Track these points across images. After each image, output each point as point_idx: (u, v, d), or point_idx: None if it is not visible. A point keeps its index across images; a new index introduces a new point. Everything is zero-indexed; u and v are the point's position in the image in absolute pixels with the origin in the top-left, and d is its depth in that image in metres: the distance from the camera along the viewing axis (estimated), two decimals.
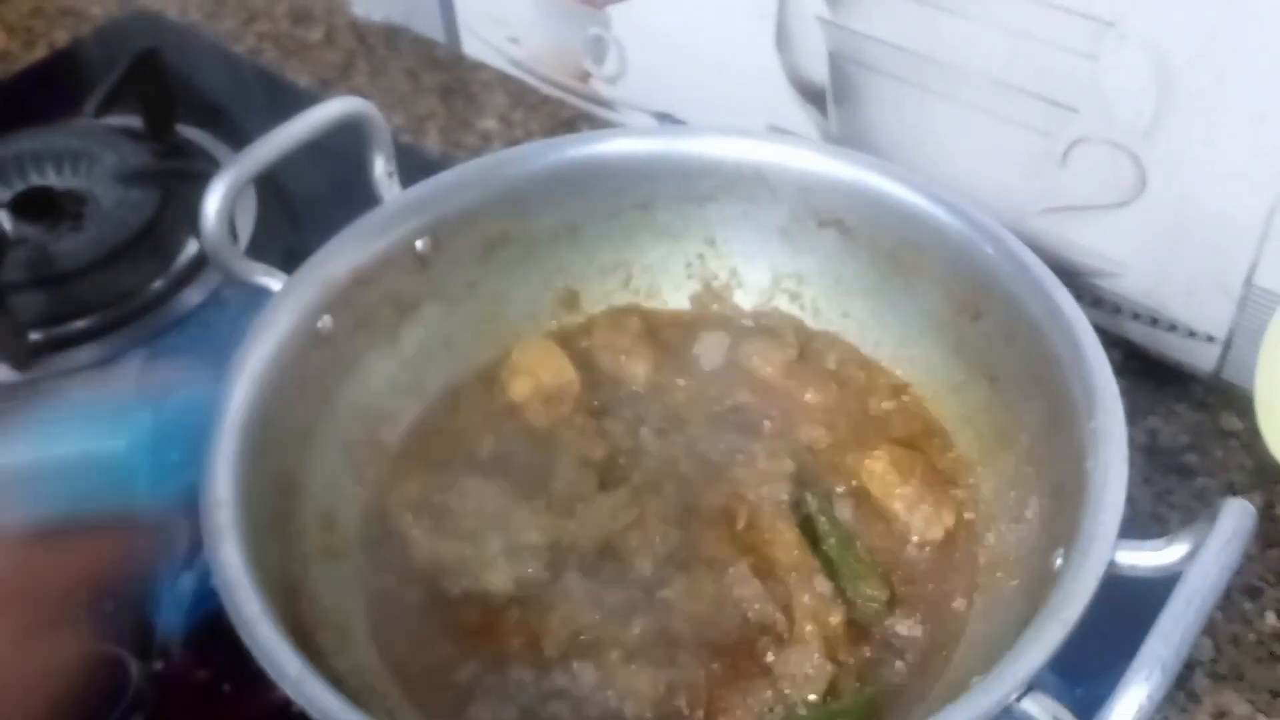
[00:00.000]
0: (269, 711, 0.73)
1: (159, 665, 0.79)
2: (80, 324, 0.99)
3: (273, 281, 0.77)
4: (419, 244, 0.82)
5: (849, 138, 1.05)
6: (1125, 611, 0.58)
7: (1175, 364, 0.97)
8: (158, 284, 1.05)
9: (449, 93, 1.29)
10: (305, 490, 0.76)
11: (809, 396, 0.85)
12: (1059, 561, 0.63)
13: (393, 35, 1.35)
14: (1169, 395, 0.97)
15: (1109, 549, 0.60)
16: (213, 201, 0.74)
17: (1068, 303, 0.73)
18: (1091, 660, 0.60)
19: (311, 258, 0.78)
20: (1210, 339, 0.94)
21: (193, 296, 1.05)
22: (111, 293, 1.03)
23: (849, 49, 1.01)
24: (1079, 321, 0.72)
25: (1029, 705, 0.56)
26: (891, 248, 0.84)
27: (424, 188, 0.83)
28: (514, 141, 1.20)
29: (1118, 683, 0.54)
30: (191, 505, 0.86)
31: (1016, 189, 0.97)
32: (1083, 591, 0.59)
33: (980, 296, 0.79)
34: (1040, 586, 0.65)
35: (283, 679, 0.59)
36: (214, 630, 0.74)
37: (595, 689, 0.70)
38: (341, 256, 0.79)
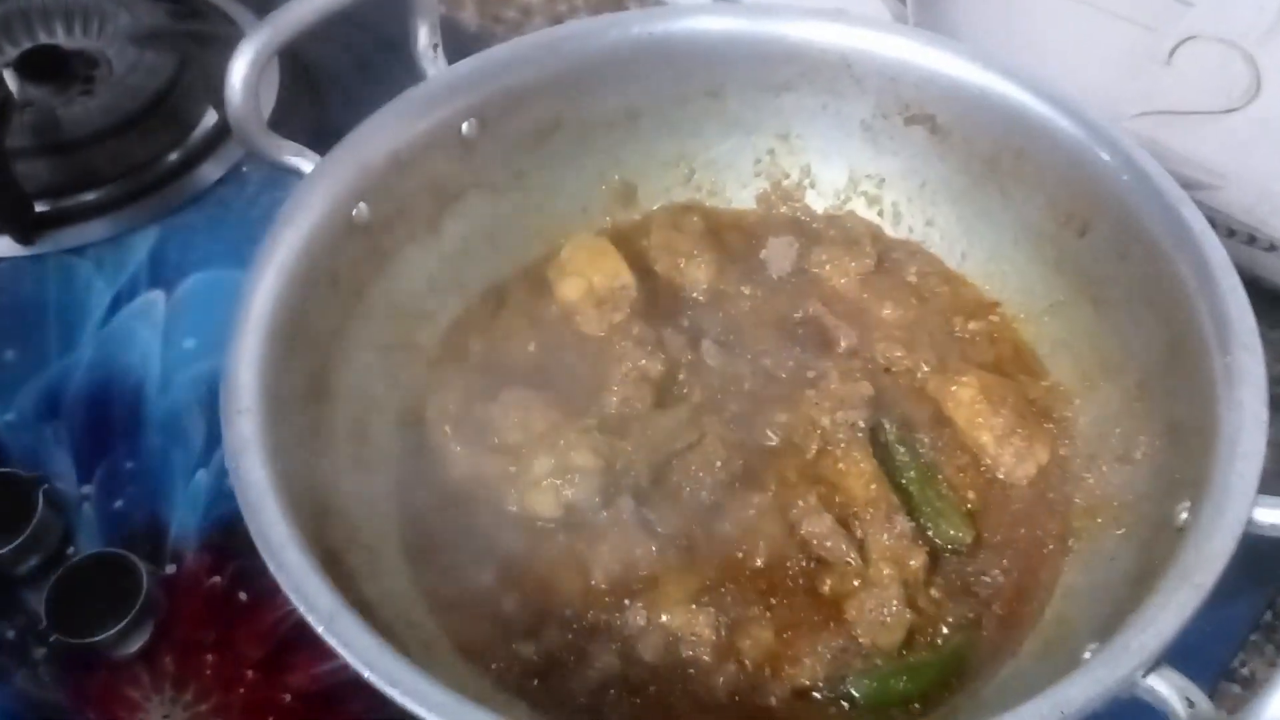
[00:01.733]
0: (285, 622, 0.71)
1: (171, 569, 0.74)
2: (89, 196, 0.93)
3: (303, 162, 0.69)
4: (465, 126, 0.75)
5: (927, 27, 0.95)
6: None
7: (1272, 287, 0.89)
8: (173, 156, 0.97)
9: None
10: (336, 397, 0.69)
11: (887, 312, 0.77)
12: (1184, 515, 0.56)
13: None
14: (1264, 321, 0.89)
15: (1247, 505, 0.53)
16: (239, 68, 0.65)
17: (1196, 220, 0.65)
18: None
19: (347, 137, 0.70)
20: None
21: (211, 171, 0.97)
22: (123, 164, 0.95)
23: None
24: (1208, 240, 0.64)
25: (1156, 682, 0.50)
26: (989, 150, 0.75)
27: (472, 63, 0.75)
28: (557, 18, 1.10)
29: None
30: (206, 398, 0.83)
31: (1112, 89, 0.88)
32: (1219, 553, 0.52)
33: (1090, 208, 0.71)
34: (1154, 538, 0.59)
35: (313, 613, 0.53)
36: (229, 534, 0.73)
37: (648, 629, 0.64)
38: (380, 137, 0.71)
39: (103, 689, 0.69)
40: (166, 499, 0.77)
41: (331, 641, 0.52)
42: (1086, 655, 0.53)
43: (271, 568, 0.55)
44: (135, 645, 0.71)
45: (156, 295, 0.89)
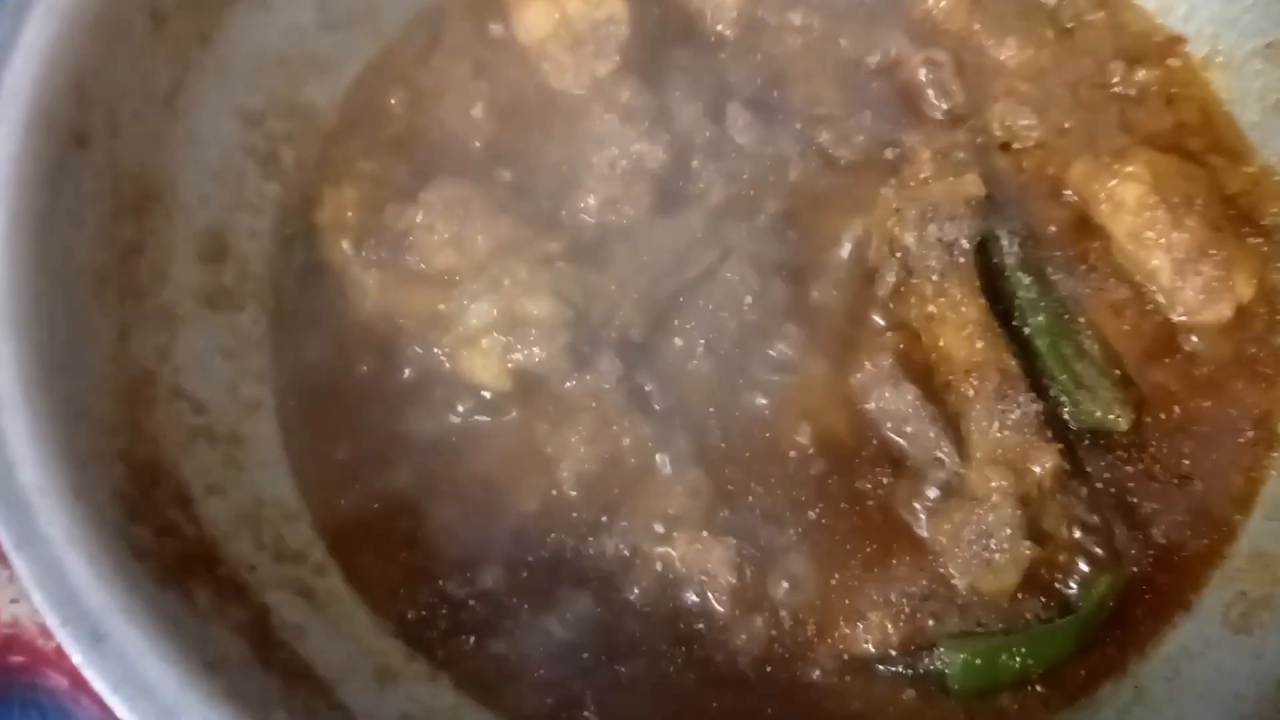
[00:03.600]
0: None
1: None
2: None
3: None
4: None
5: None
6: None
7: None
8: None
9: None
10: (172, 200, 0.48)
11: (1009, 53, 0.54)
12: None
13: None
14: None
15: None
16: None
17: None
18: None
19: None
20: None
21: None
22: None
23: None
24: None
25: None
26: None
27: None
28: None
29: None
30: None
31: None
32: None
33: None
34: None
35: (72, 632, 0.33)
36: None
37: (638, 561, 0.45)
38: None
39: None
40: None
41: (94, 680, 0.33)
42: None
43: (7, 544, 0.35)
44: None
45: None
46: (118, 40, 0.45)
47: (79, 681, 0.51)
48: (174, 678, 0.34)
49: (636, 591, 0.45)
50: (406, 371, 0.48)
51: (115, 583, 0.36)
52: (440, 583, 0.45)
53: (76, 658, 0.34)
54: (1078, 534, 0.45)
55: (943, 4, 0.54)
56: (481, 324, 0.47)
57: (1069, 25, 0.54)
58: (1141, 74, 0.52)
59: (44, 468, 0.37)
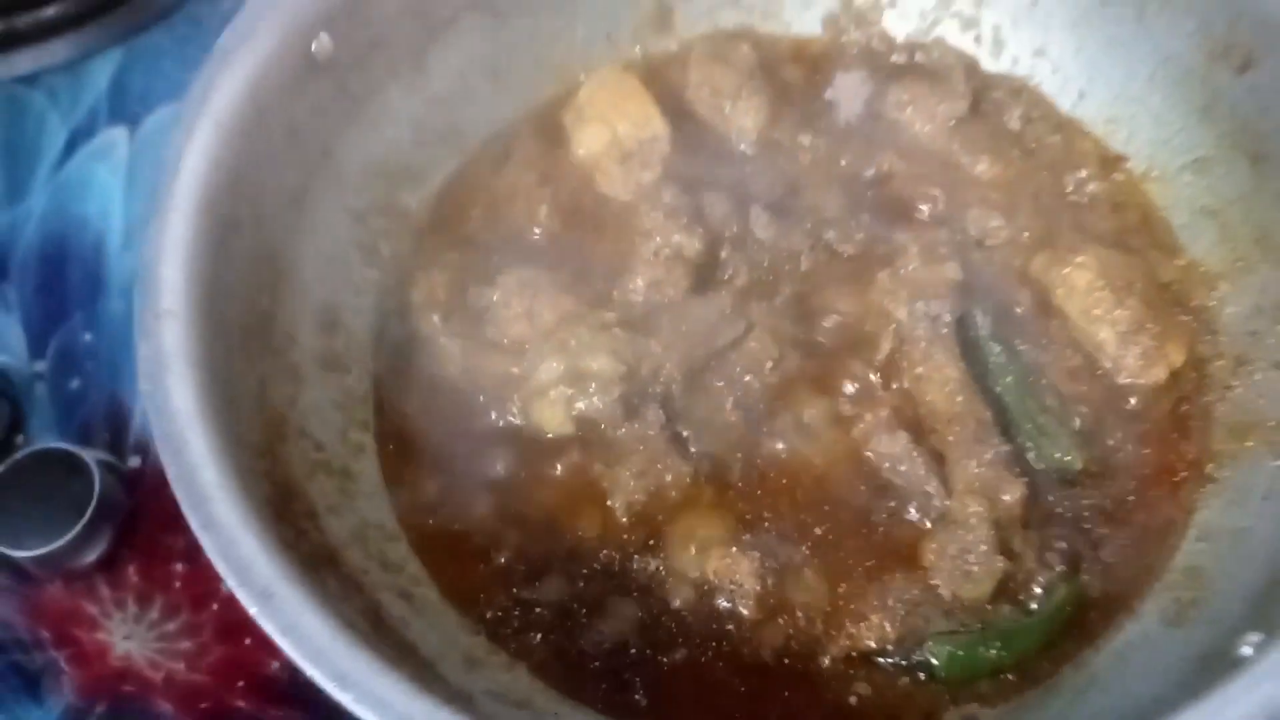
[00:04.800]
0: None
1: (135, 463, 0.66)
2: (48, 12, 0.83)
3: None
4: None
5: None
6: None
7: None
8: None
9: None
10: (297, 279, 0.59)
11: (982, 169, 0.65)
12: None
13: None
14: None
15: None
16: None
17: None
18: None
19: None
20: None
21: None
22: None
23: None
24: None
25: None
26: None
27: None
28: None
29: None
30: None
31: None
32: None
33: (1256, 36, 0.59)
34: None
35: (244, 587, 0.43)
36: None
37: (678, 574, 0.55)
38: None
39: (56, 605, 0.63)
40: (130, 378, 0.69)
41: (266, 626, 0.41)
42: (1246, 651, 0.41)
43: (194, 525, 0.44)
44: (91, 555, 0.63)
45: (118, 133, 0.80)
46: (263, 149, 0.56)
47: (182, 708, 0.60)
48: (325, 629, 0.43)
49: (678, 601, 0.54)
50: (485, 421, 0.58)
51: (274, 560, 0.45)
52: (514, 590, 0.54)
53: (251, 610, 0.44)
54: (1041, 552, 0.54)
55: (927, 129, 0.66)
56: (550, 378, 0.57)
57: (1032, 146, 0.65)
58: (1091, 186, 0.64)
59: (217, 472, 0.47)
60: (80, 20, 0.83)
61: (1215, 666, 0.43)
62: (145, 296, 0.50)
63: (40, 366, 0.70)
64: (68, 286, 0.74)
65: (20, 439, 0.67)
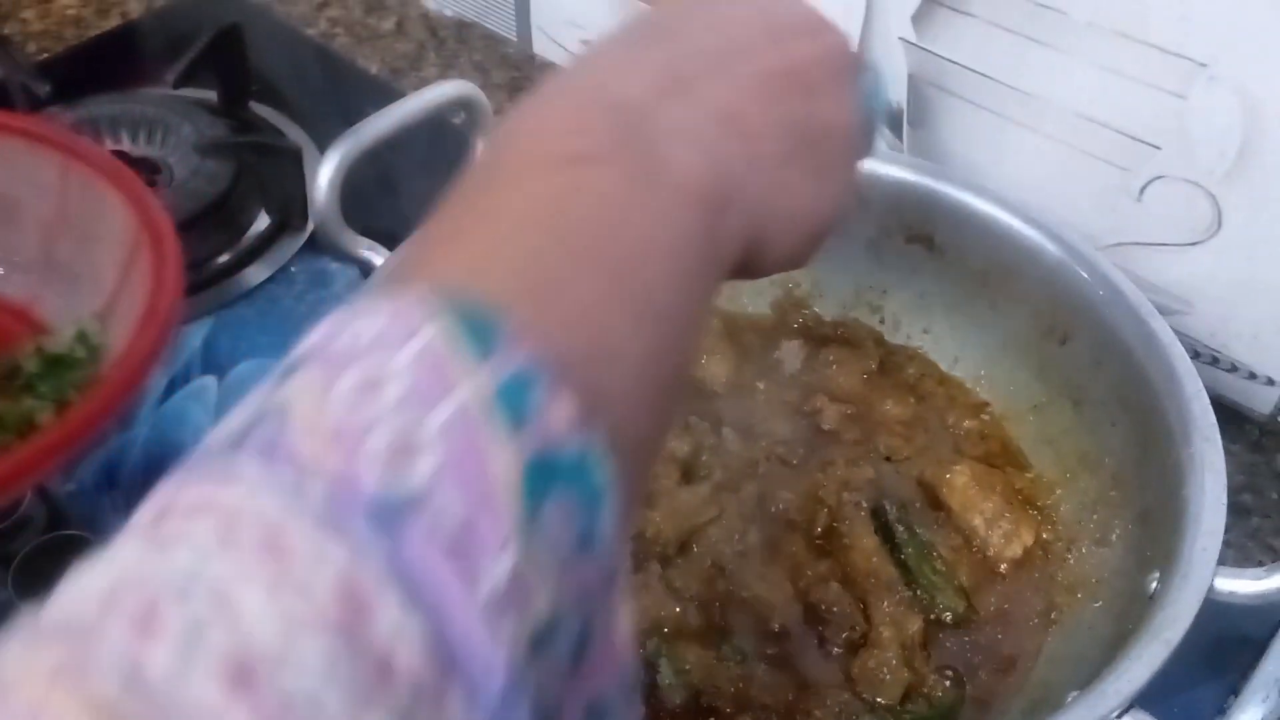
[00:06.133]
0: None
1: None
2: None
3: (375, 256, 0.78)
4: None
5: (922, 160, 1.05)
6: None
7: (1233, 404, 0.98)
8: (226, 256, 1.05)
9: (517, 90, 1.29)
10: None
11: (889, 408, 0.85)
12: (1154, 585, 0.64)
13: (464, 29, 1.36)
14: (1225, 435, 0.98)
15: (1209, 574, 0.61)
16: (327, 171, 0.74)
17: (1164, 331, 0.74)
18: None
19: (414, 235, 0.78)
20: (1270, 382, 0.95)
21: (260, 271, 1.05)
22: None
23: (931, 72, 1.01)
24: (1175, 349, 0.73)
25: None
26: (980, 267, 0.84)
27: None
28: None
29: (1206, 707, 0.54)
30: None
31: (1089, 221, 0.97)
32: (1185, 614, 0.59)
33: (1070, 321, 0.80)
34: (1127, 608, 0.66)
35: None
36: None
37: (666, 688, 0.70)
38: None
39: None
40: None
41: None
42: (1069, 700, 0.59)
43: None
44: None
45: (209, 380, 0.96)
46: None
47: None
48: None
49: (677, 700, 0.69)
50: None
51: None
52: None
53: None
54: (936, 669, 0.70)
55: (849, 380, 0.84)
56: None
57: (923, 395, 0.84)
58: (965, 423, 0.82)
59: None
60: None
61: None
62: None
63: None
64: None
65: None
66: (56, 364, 0.78)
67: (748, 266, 0.41)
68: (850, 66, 0.44)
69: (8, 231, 0.84)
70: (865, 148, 0.46)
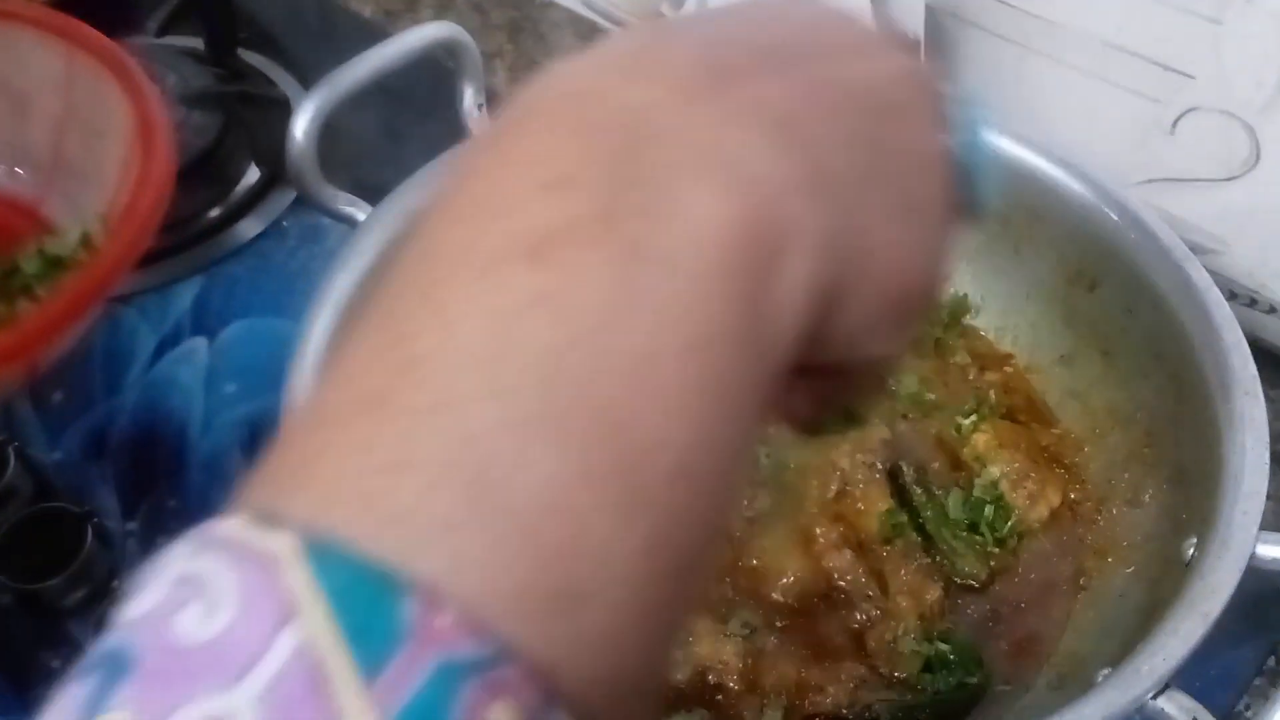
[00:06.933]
0: None
1: None
2: None
3: (357, 212, 0.73)
4: None
5: None
6: None
7: (1270, 347, 0.93)
8: (216, 211, 1.02)
9: (517, 30, 1.24)
10: None
11: (905, 361, 0.80)
12: (1191, 551, 0.59)
13: None
14: (1264, 382, 0.93)
15: (1251, 540, 0.57)
16: (301, 121, 0.70)
17: (1199, 275, 0.69)
18: None
19: (396, 189, 0.74)
20: None
21: (252, 226, 1.02)
22: (169, 217, 0.99)
23: (949, 2, 0.96)
24: (1212, 295, 0.68)
25: (1166, 703, 0.53)
26: (1003, 210, 0.79)
27: None
28: None
29: (1246, 669, 0.50)
30: (247, 440, 0.86)
31: (1118, 157, 0.92)
32: (1225, 584, 0.55)
33: (1099, 265, 0.75)
34: (1162, 575, 0.62)
35: None
36: None
37: (680, 657, 0.66)
38: (428, 190, 0.75)
39: None
40: None
41: None
42: (1099, 679, 0.55)
43: None
44: None
45: (199, 342, 0.93)
46: None
47: None
48: None
49: (680, 676, 0.67)
50: None
51: None
52: None
53: None
54: (934, 637, 0.66)
55: None
56: None
57: (943, 348, 0.80)
58: (988, 375, 0.78)
59: None
60: (165, 254, 0.97)
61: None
62: None
63: (131, 526, 0.81)
64: (155, 463, 0.85)
65: (116, 584, 0.78)
66: (56, 265, 0.76)
67: (818, 340, 0.29)
68: (937, 92, 0.34)
69: (21, 129, 0.81)
70: (961, 209, 0.34)
